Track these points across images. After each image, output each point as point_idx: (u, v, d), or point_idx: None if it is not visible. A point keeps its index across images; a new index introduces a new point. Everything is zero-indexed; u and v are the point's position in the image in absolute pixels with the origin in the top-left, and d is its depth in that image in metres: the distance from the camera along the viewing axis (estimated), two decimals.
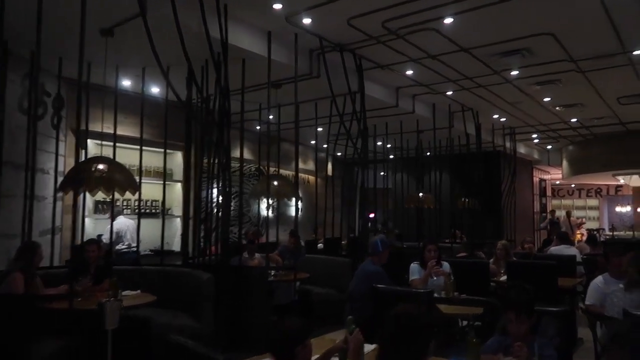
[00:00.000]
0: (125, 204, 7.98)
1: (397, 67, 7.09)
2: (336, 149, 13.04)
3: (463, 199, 11.59)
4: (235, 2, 5.03)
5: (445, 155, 10.95)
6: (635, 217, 15.35)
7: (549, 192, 18.06)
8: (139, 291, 5.00)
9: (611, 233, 14.46)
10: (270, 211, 13.11)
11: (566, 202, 20.28)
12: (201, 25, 4.74)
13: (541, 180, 17.21)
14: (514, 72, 7.33)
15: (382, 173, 13.44)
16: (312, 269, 7.07)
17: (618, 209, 18.44)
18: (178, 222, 8.62)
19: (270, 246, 7.99)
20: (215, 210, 5.81)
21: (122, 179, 4.49)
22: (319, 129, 8.76)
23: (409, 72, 7.37)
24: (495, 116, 10.42)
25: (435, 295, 4.62)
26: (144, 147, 6.89)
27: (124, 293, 4.77)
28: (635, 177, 14.74)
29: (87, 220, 7.70)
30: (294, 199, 12.50)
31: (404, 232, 11.47)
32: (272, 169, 12.73)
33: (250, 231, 10.28)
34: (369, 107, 8.10)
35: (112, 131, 7.47)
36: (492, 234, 11.33)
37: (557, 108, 9.74)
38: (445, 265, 5.10)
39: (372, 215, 14.89)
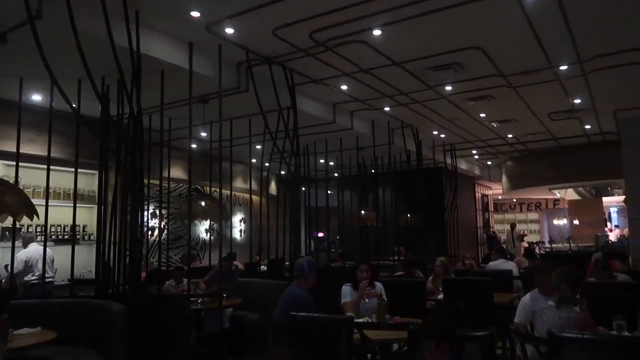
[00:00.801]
0: (39, 229, 7.29)
1: (330, 81, 6.91)
2: (280, 167, 12.80)
3: (406, 216, 11.55)
4: (149, 9, 4.67)
5: (388, 172, 10.88)
6: (572, 230, 15.84)
7: (491, 207, 18.45)
8: (38, 328, 4.43)
9: (550, 246, 14.82)
10: (210, 233, 12.60)
11: (509, 216, 20.83)
12: (118, 36, 4.36)
13: (483, 195, 17.56)
14: (448, 88, 7.32)
15: (329, 192, 13.21)
16: (250, 294, 6.65)
17: (555, 222, 19.07)
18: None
19: (206, 271, 7.53)
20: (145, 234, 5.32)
21: (13, 201, 3.98)
22: (258, 147, 8.42)
23: (344, 87, 7.21)
24: (435, 132, 10.47)
25: (366, 319, 4.37)
26: (59, 167, 6.36)
27: (21, 331, 4.22)
28: (570, 190, 15.27)
29: None
30: (238, 221, 12.11)
31: (349, 251, 11.26)
32: (214, 189, 12.36)
33: (185, 254, 9.79)
34: (305, 123, 7.90)
35: (26, 151, 6.89)
36: (436, 250, 11.29)
37: (493, 124, 9.89)
38: (378, 286, 4.84)
39: (321, 235, 14.67)
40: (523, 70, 6.61)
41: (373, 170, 12.03)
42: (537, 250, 14.91)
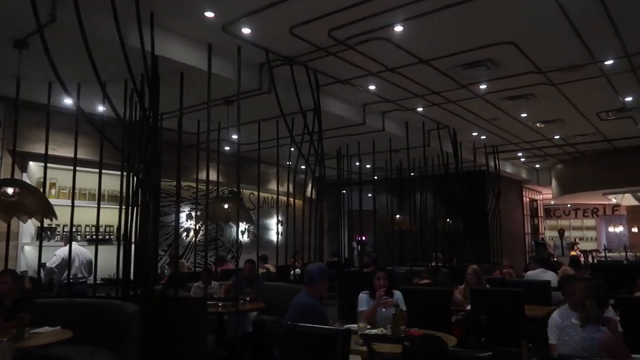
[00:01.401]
0: (76, 230, 7.51)
1: (357, 81, 6.71)
2: (314, 170, 12.66)
3: (446, 221, 11.11)
4: (164, 11, 4.67)
5: (429, 175, 10.47)
6: (631, 238, 14.78)
7: (540, 213, 17.53)
8: (58, 327, 4.50)
9: (604, 255, 13.87)
10: (246, 236, 12.65)
11: (563, 222, 19.70)
12: (134, 38, 4.39)
13: (532, 200, 16.72)
14: (483, 86, 6.94)
15: (369, 195, 12.90)
16: (275, 298, 6.53)
17: (611, 229, 17.88)
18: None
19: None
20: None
21: (31, 203, 4.05)
22: (292, 149, 8.33)
23: (372, 87, 6.99)
24: (475, 134, 10.01)
25: (381, 329, 4.14)
26: (88, 169, 6.50)
27: (41, 329, 4.30)
28: (627, 195, 14.24)
29: (27, 248, 7.27)
30: (275, 223, 12.13)
31: (387, 256, 10.93)
32: (247, 192, 12.39)
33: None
34: (333, 124, 7.75)
35: (59, 153, 7.12)
36: (477, 257, 10.80)
37: (538, 125, 9.34)
38: (397, 295, 4.60)
39: (363, 238, 14.41)
40: (563, 66, 6.15)
41: (412, 174, 11.71)
42: (589, 259, 14.03)
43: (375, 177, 11.49)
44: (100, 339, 4.61)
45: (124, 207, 5.11)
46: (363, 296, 4.62)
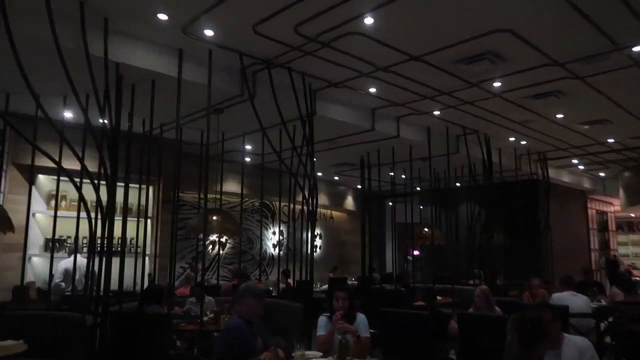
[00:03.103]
0: (83, 241, 7.60)
1: (354, 84, 6.23)
2: (354, 181, 12.15)
3: (490, 234, 10.15)
4: (117, 15, 4.51)
5: (469, 186, 9.59)
6: None
7: (611, 226, 15.71)
8: (9, 341, 4.43)
9: None
10: (279, 249, 12.38)
11: (635, 237, 17.47)
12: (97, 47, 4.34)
13: (600, 212, 15.03)
14: (496, 84, 6.19)
15: (421, 207, 12.14)
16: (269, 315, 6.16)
17: None
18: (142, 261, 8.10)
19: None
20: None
21: None
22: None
23: (373, 90, 6.47)
24: (511, 139, 9.08)
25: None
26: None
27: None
28: None
29: (35, 259, 7.44)
30: (312, 236, 11.79)
31: (437, 271, 10.12)
32: (277, 203, 12.13)
33: (234, 270, 9.60)
34: (336, 133, 7.35)
35: (69, 166, 7.23)
36: (526, 274, 9.73)
37: (582, 126, 8.28)
38: (360, 319, 4.06)
39: (416, 253, 13.65)
40: (582, 56, 5.30)
41: (457, 184, 10.85)
42: None
43: (418, 188, 10.72)
44: (50, 350, 4.49)
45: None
46: (322, 319, 4.11)
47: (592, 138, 8.99)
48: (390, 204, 10.97)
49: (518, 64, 5.54)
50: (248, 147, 8.34)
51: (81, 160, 5.20)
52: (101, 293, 4.93)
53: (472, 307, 5.47)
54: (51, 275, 6.98)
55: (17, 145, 6.94)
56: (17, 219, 5.15)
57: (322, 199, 12.84)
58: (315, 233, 13.59)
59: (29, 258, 7.25)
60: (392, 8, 4.30)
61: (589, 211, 14.23)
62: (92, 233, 4.92)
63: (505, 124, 8.01)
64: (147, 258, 8.06)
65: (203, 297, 6.43)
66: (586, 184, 13.47)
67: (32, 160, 5.50)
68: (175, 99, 5.04)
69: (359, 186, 11.64)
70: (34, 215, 7.25)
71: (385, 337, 4.44)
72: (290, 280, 9.76)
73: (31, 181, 6.69)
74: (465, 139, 8.41)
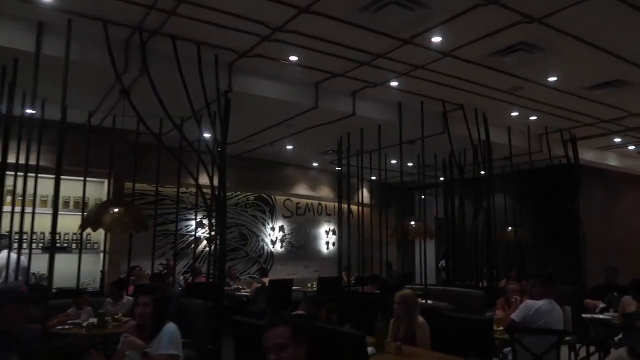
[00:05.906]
0: (38, 237, 7.31)
1: (262, 51, 5.30)
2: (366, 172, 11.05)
3: (510, 229, 8.63)
4: None
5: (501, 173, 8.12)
6: None
7: None
8: None
9: None
10: (280, 245, 11.61)
11: None
12: None
13: None
14: (435, 39, 4.96)
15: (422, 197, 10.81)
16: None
17: None
18: (101, 258, 7.76)
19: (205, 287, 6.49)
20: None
21: None
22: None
23: (293, 58, 5.51)
24: (514, 114, 7.56)
25: None
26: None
27: None
28: None
29: None
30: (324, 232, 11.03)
31: (464, 270, 8.79)
32: (281, 198, 11.38)
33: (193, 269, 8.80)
34: (275, 114, 6.50)
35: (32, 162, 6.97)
36: (564, 274, 8.17)
37: (597, 92, 6.61)
38: (167, 329, 3.21)
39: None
40: None
41: (483, 172, 9.26)
42: None
43: (442, 178, 9.42)
44: None
45: None
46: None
47: (618, 107, 7.22)
48: (423, 197, 9.70)
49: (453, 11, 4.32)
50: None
51: None
52: None
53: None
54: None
55: None
56: None
57: (326, 192, 11.94)
58: (328, 229, 12.70)
59: None
60: None
61: None
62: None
63: (489, 93, 6.61)
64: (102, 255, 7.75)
65: (121, 296, 5.91)
66: None
67: None
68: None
69: (373, 177, 10.59)
70: None
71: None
72: (265, 279, 8.97)
73: None
74: (445, 116, 7.09)
